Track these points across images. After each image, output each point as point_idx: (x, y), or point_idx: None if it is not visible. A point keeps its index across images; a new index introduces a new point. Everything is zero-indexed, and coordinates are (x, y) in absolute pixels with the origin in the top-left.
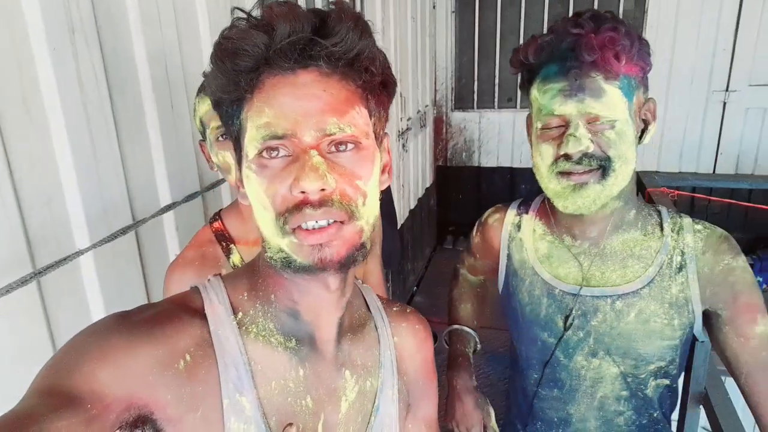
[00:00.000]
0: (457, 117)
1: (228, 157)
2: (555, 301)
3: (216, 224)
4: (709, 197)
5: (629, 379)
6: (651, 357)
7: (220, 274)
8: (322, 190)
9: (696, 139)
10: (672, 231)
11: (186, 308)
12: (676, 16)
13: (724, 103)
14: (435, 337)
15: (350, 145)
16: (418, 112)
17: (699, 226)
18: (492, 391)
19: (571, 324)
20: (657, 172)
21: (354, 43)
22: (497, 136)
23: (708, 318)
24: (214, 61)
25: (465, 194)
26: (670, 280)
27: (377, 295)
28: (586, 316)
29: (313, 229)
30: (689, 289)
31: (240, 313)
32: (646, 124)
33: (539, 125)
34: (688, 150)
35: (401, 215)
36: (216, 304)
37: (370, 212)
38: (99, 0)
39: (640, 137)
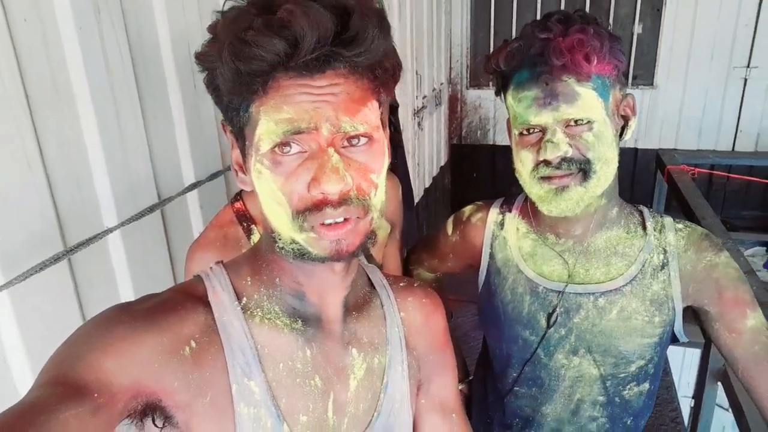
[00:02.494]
0: (472, 95)
1: None
2: (538, 299)
3: (237, 204)
4: (728, 174)
5: (608, 383)
6: (631, 355)
7: (222, 262)
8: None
9: (715, 116)
10: (654, 230)
11: (189, 296)
12: None
13: (745, 80)
14: (450, 314)
15: (363, 139)
16: (434, 90)
17: (680, 225)
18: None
19: (555, 321)
20: (676, 149)
21: (378, 50)
22: None
23: (697, 315)
24: (226, 60)
25: (480, 172)
26: (651, 278)
27: (384, 273)
28: (568, 314)
29: (333, 224)
30: (670, 287)
31: (244, 298)
32: (626, 120)
33: (516, 132)
34: (707, 127)
35: (416, 194)
36: (219, 291)
37: (379, 201)
38: None
39: (621, 134)
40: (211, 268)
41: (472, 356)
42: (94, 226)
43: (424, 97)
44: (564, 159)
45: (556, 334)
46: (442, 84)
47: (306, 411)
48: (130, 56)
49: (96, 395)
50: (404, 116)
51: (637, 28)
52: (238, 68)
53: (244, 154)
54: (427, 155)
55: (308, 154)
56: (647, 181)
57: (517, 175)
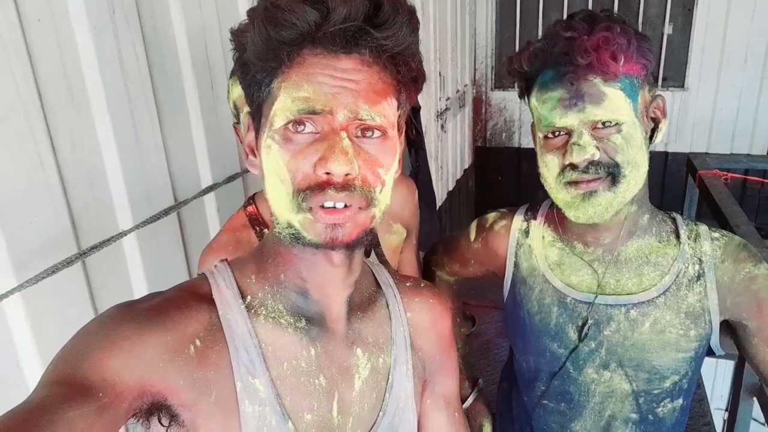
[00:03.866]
0: (497, 96)
1: None
2: (566, 311)
3: (250, 208)
4: (762, 179)
5: (641, 400)
6: (665, 370)
7: (226, 260)
8: (347, 174)
9: (749, 120)
10: (689, 239)
11: (193, 294)
12: None
13: None
14: (473, 321)
15: (377, 133)
16: (457, 91)
17: (716, 234)
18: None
19: (587, 334)
20: (707, 153)
21: (404, 40)
22: None
23: (734, 330)
24: (257, 25)
25: (504, 176)
26: (687, 289)
27: (390, 272)
28: (598, 326)
29: (332, 208)
30: (707, 299)
31: (249, 297)
32: (656, 122)
33: (541, 135)
34: (740, 131)
35: (439, 197)
36: (224, 289)
37: (384, 200)
38: None
39: (651, 137)
40: (215, 266)
41: (495, 365)
42: (108, 228)
43: (448, 98)
44: (591, 162)
45: (586, 347)
46: (466, 86)
47: (311, 410)
48: (145, 56)
49: (101, 395)
50: (427, 118)
51: (668, 29)
52: (269, 34)
53: (258, 134)
54: (451, 158)
55: (320, 136)
56: (677, 186)
57: (542, 181)
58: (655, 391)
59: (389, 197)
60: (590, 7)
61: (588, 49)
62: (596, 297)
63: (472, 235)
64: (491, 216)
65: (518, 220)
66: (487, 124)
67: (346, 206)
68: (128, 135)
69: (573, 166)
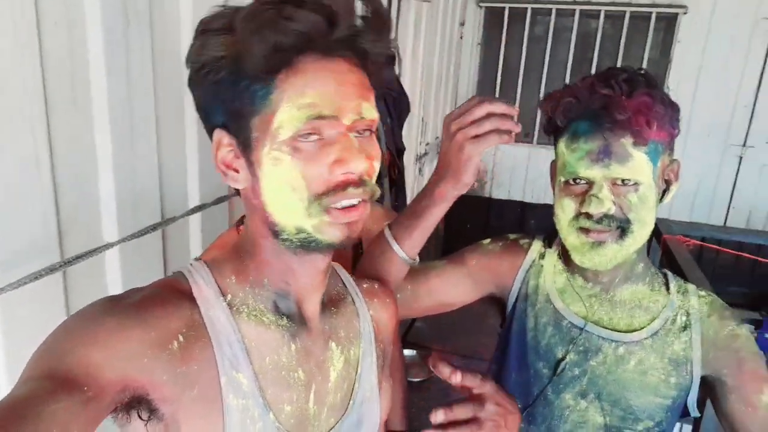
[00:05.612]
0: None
1: None
2: (560, 332)
3: (242, 228)
4: (719, 248)
5: None
6: (641, 413)
7: (200, 258)
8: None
9: (709, 191)
10: (678, 291)
11: (174, 291)
12: (700, 68)
13: (740, 158)
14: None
15: (368, 131)
16: (437, 138)
17: (702, 292)
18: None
19: (564, 367)
20: (669, 219)
21: (389, 47)
22: (510, 170)
23: (711, 388)
24: (252, 29)
25: (473, 224)
26: (673, 336)
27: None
28: (586, 354)
29: (347, 207)
30: (691, 350)
31: (229, 295)
32: (668, 184)
33: (563, 179)
34: (700, 201)
35: None
36: (203, 287)
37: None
38: None
39: (662, 197)
40: (191, 264)
41: None
42: (93, 235)
43: (428, 143)
44: (606, 215)
45: (570, 372)
46: None
47: (290, 401)
48: (152, 71)
49: (85, 388)
50: (407, 160)
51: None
52: (276, 41)
53: (246, 148)
54: None
55: (326, 140)
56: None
57: (555, 220)
58: (627, 431)
59: None
60: (569, 73)
61: (627, 110)
62: (586, 324)
63: (494, 245)
64: (513, 235)
65: (538, 243)
66: None
67: (359, 203)
68: (125, 146)
69: (588, 215)
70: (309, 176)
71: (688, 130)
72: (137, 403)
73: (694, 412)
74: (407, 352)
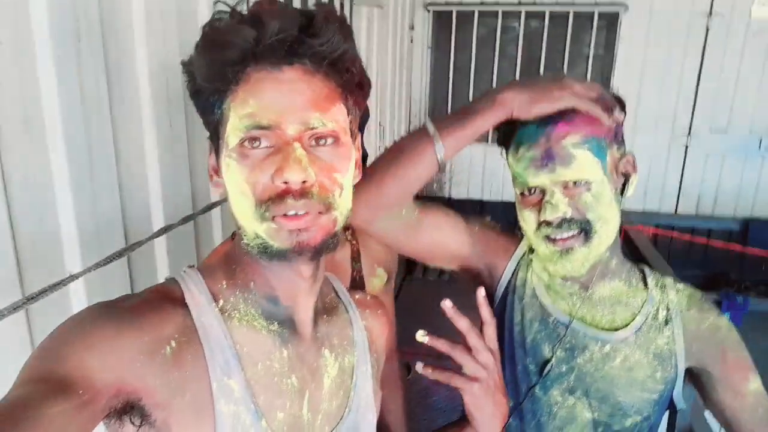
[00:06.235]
0: None
1: None
2: (546, 329)
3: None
4: (672, 234)
5: (599, 429)
6: (629, 408)
7: (194, 266)
8: (304, 181)
9: (659, 180)
10: (656, 286)
11: (167, 297)
12: (643, 63)
13: (686, 147)
14: (408, 368)
15: (330, 140)
16: (395, 141)
17: (680, 285)
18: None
19: (551, 357)
20: (624, 210)
21: (339, 45)
22: (468, 169)
23: (697, 379)
24: (201, 50)
25: None
26: (656, 331)
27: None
28: (573, 351)
29: (293, 216)
30: (674, 344)
31: (221, 301)
32: (626, 177)
33: (518, 191)
34: (651, 190)
35: None
36: (196, 293)
37: (345, 204)
38: (106, 8)
39: (623, 191)
40: (184, 271)
41: (433, 412)
42: (55, 271)
43: (386, 148)
44: (564, 219)
45: (557, 369)
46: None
47: (283, 408)
48: (107, 89)
49: (81, 392)
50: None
51: None
52: (213, 57)
53: (218, 155)
54: None
55: (274, 149)
56: None
57: (524, 232)
58: (615, 427)
59: (350, 201)
60: (518, 72)
61: (558, 113)
62: (572, 321)
63: (492, 224)
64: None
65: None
66: None
67: (306, 213)
68: (83, 169)
69: (548, 223)
70: (252, 182)
71: (636, 121)
72: (130, 408)
73: (681, 404)
74: None
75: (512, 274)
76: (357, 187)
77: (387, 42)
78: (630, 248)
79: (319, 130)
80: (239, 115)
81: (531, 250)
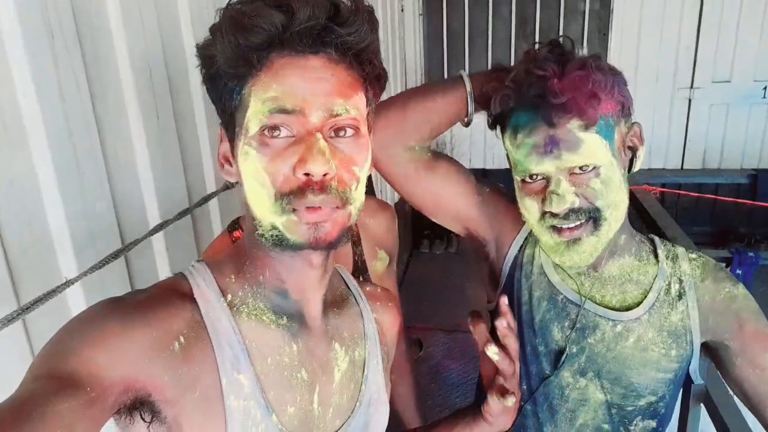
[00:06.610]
0: None
1: None
2: (555, 308)
3: (237, 233)
4: (679, 192)
5: (614, 411)
6: (642, 389)
7: (203, 260)
8: (325, 174)
9: (664, 136)
10: (667, 258)
11: (175, 293)
12: (641, 16)
13: (689, 100)
14: (420, 345)
15: (350, 131)
16: None
17: (693, 255)
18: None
19: (566, 346)
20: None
21: (366, 36)
22: (469, 138)
23: (715, 352)
24: (225, 33)
25: None
26: (669, 307)
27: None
28: (583, 331)
29: (311, 207)
30: (689, 319)
31: (229, 295)
32: (633, 151)
33: (518, 178)
34: (656, 146)
35: None
36: (204, 288)
37: (359, 197)
38: (79, 4)
39: (630, 166)
40: (193, 265)
41: (446, 388)
42: (50, 278)
43: None
44: (572, 210)
45: (567, 350)
46: None
47: (293, 402)
48: (87, 85)
49: (89, 389)
50: None
51: (585, 53)
52: (238, 40)
53: (233, 143)
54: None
55: (296, 139)
56: None
57: (525, 220)
58: (629, 408)
59: (363, 194)
60: (513, 33)
61: (564, 91)
62: (584, 302)
63: (506, 192)
64: None
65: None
66: None
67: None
68: (70, 169)
69: (553, 213)
70: (273, 172)
71: (636, 77)
72: (140, 404)
73: (698, 380)
74: None
75: (519, 250)
76: (380, 107)
77: (377, 12)
78: (638, 210)
79: (342, 118)
80: (262, 98)
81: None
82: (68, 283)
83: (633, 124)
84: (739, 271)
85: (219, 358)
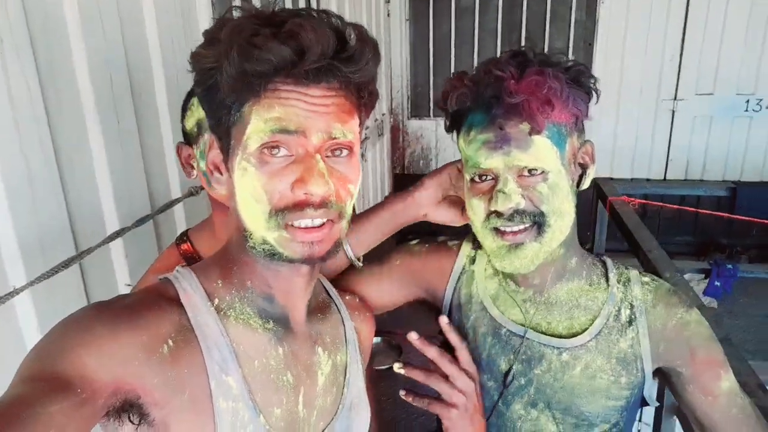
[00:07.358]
0: (414, 125)
1: None
2: (500, 342)
3: (184, 246)
4: (662, 204)
5: None
6: (594, 418)
7: (186, 265)
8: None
9: (647, 146)
10: (618, 282)
11: (162, 297)
12: (626, 27)
13: (673, 112)
14: (399, 350)
15: (345, 151)
16: (376, 120)
17: (646, 279)
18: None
19: (512, 380)
20: (611, 178)
21: (370, 72)
22: (454, 144)
23: (668, 378)
24: (231, 59)
25: None
26: (618, 333)
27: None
28: (530, 363)
29: (308, 227)
30: (639, 346)
31: (216, 300)
32: (584, 168)
33: (468, 178)
34: (639, 157)
35: None
36: (191, 293)
37: (350, 211)
38: (31, 5)
39: (579, 183)
40: (177, 270)
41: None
42: None
43: (367, 128)
44: (516, 211)
45: (516, 382)
46: (383, 114)
47: (279, 404)
48: (40, 90)
49: (79, 390)
50: None
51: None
52: (245, 68)
53: (226, 154)
54: (371, 185)
55: (294, 158)
56: (585, 210)
57: (470, 224)
58: None
59: (352, 206)
60: (499, 41)
61: (518, 92)
62: (526, 332)
63: (415, 249)
64: (441, 238)
65: (467, 246)
66: (405, 151)
67: (323, 224)
68: (19, 179)
69: (498, 214)
70: (270, 190)
71: (620, 87)
72: (129, 407)
73: (654, 403)
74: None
75: (454, 292)
76: None
77: (362, 17)
78: (616, 221)
79: (340, 141)
80: (264, 118)
81: (472, 261)
82: (15, 292)
83: (586, 141)
84: (717, 283)
85: (207, 360)
